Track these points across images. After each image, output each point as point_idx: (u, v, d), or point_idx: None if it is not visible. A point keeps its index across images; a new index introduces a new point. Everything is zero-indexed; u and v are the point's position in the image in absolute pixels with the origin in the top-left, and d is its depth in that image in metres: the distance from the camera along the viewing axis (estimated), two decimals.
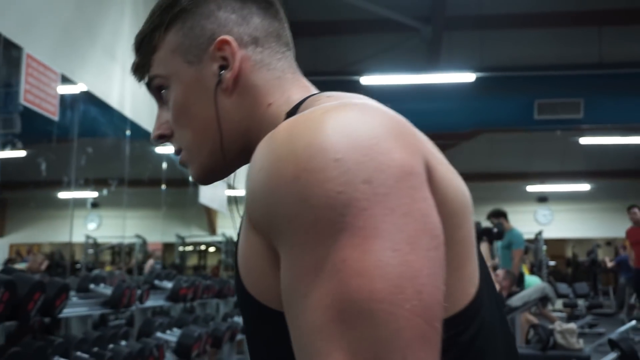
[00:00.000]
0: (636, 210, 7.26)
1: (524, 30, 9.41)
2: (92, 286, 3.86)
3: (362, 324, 0.48)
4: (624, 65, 9.82)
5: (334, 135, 0.52)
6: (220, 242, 11.18)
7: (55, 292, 2.90)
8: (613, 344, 2.74)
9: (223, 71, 0.73)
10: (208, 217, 12.01)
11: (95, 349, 3.35)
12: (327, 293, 0.49)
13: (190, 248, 12.24)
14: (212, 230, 12.18)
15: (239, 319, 5.87)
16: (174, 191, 7.62)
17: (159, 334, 4.27)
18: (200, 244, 12.87)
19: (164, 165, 6.82)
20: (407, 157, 0.53)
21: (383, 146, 0.52)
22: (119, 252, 11.97)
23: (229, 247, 11.04)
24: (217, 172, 0.79)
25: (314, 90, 0.76)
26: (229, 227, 12.03)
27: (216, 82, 0.73)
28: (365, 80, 8.58)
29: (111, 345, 3.57)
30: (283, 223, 0.53)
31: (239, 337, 5.76)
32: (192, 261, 13.14)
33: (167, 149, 6.79)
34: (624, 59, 10.09)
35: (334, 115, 0.55)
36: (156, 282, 4.84)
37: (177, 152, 0.79)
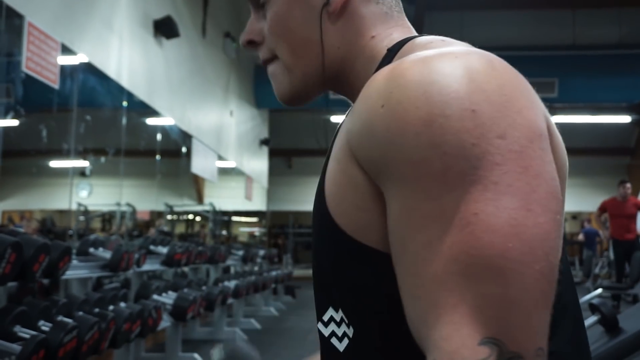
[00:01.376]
0: (629, 185, 7.57)
1: (502, 12, 9.63)
2: (91, 250, 3.93)
3: (491, 280, 0.47)
4: (596, 47, 10.15)
5: (469, 85, 0.51)
6: (207, 212, 11.29)
7: (59, 255, 2.95)
8: (594, 308, 2.92)
9: None
10: (196, 187, 12.12)
11: (97, 310, 3.41)
12: (454, 244, 0.48)
13: (175, 217, 12.35)
14: (200, 200, 12.28)
15: (229, 284, 6.04)
16: (164, 161, 7.70)
17: (155, 297, 4.41)
18: (187, 213, 12.96)
19: (159, 136, 6.91)
20: (536, 118, 0.52)
21: (515, 104, 0.51)
22: (109, 219, 12.05)
23: (217, 217, 11.13)
24: (303, 94, 0.75)
25: (415, 33, 0.73)
26: (216, 197, 12.11)
27: (324, 2, 0.70)
28: None
29: (111, 307, 3.65)
30: (406, 166, 0.51)
31: (230, 301, 5.93)
32: (179, 230, 13.26)
33: (159, 121, 6.86)
34: (597, 41, 10.40)
35: (466, 63, 0.53)
36: (151, 247, 4.96)
37: (266, 61, 0.76)
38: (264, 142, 11.66)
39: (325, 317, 0.65)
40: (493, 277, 0.47)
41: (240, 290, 6.18)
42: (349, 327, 0.62)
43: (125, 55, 5.35)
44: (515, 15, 9.73)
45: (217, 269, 6.71)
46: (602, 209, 7.73)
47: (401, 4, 0.76)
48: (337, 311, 0.63)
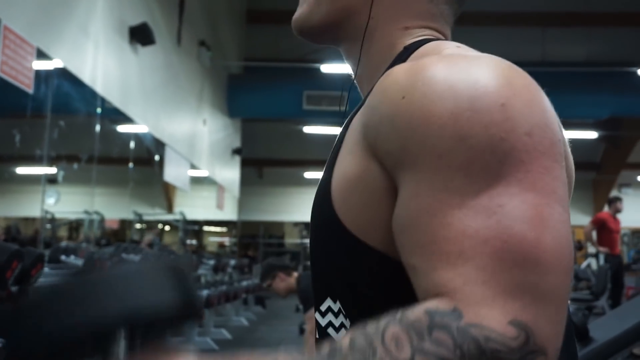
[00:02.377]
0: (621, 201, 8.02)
1: (474, 28, 9.83)
2: (63, 257, 3.88)
3: (526, 269, 0.46)
4: (564, 64, 10.44)
5: (497, 80, 0.51)
6: (177, 221, 11.19)
7: (32, 262, 2.86)
8: None
9: None
10: (166, 196, 12.03)
11: None
12: (481, 229, 0.47)
13: (144, 226, 12.23)
14: (170, 209, 12.18)
15: (200, 293, 6.00)
16: (134, 169, 7.64)
17: None
18: (157, 222, 12.81)
19: (132, 144, 6.85)
20: (556, 125, 0.53)
21: (540, 104, 0.52)
22: (77, 227, 11.86)
23: (187, 226, 11.04)
24: (314, 30, 0.76)
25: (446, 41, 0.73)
26: (188, 206, 11.97)
27: None
28: (326, 68, 8.83)
29: None
30: (428, 156, 0.50)
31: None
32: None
33: (132, 128, 6.81)
34: (565, 59, 10.68)
35: (490, 62, 0.54)
36: (123, 255, 4.90)
37: None
38: (236, 151, 11.64)
39: (323, 307, 0.64)
40: (527, 265, 0.46)
41: (212, 299, 6.13)
42: (346, 319, 0.61)
43: (100, 62, 5.30)
44: (486, 32, 9.93)
45: None
46: (598, 222, 7.87)
47: (452, 17, 0.76)
48: (335, 302, 0.62)
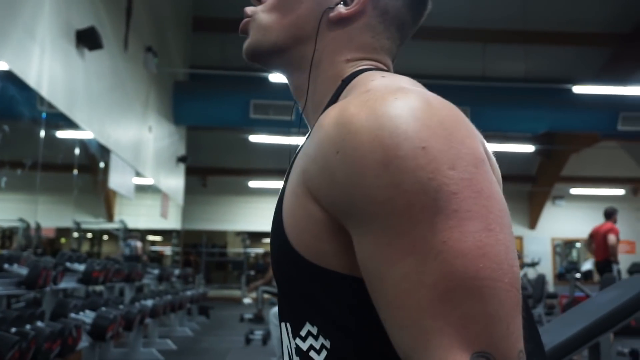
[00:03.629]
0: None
1: (417, 42, 10.12)
2: (6, 266, 3.77)
3: (469, 301, 0.51)
4: (504, 80, 10.85)
5: (414, 124, 0.55)
6: (117, 230, 10.95)
7: None
8: None
9: (341, 4, 0.75)
10: (106, 204, 11.78)
11: (14, 329, 3.28)
12: (430, 273, 0.52)
13: (77, 234, 11.94)
14: (110, 218, 11.93)
15: (146, 303, 5.89)
16: (70, 176, 7.43)
17: (72, 315, 4.25)
18: (96, 230, 12.51)
19: (77, 150, 6.67)
20: (475, 145, 0.57)
21: (457, 135, 0.55)
22: (10, 236, 11.46)
23: (128, 234, 10.83)
24: (264, 56, 0.80)
25: (384, 71, 0.76)
26: (129, 214, 11.71)
27: (329, 6, 0.75)
28: (273, 77, 8.85)
29: (28, 326, 3.50)
30: (371, 207, 0.54)
31: (147, 320, 5.78)
32: (84, 248, 12.79)
33: (77, 134, 6.64)
34: (504, 74, 11.07)
35: (406, 103, 0.57)
36: (67, 264, 4.78)
37: (247, 16, 0.81)
38: (181, 159, 11.48)
39: (303, 332, 0.66)
40: (471, 297, 0.51)
41: (157, 309, 6.04)
42: (325, 340, 0.64)
43: (46, 65, 5.15)
44: (430, 45, 10.18)
45: (131, 288, 6.53)
46: (618, 235, 8.19)
47: (395, 49, 0.80)
48: (312, 326, 0.65)
